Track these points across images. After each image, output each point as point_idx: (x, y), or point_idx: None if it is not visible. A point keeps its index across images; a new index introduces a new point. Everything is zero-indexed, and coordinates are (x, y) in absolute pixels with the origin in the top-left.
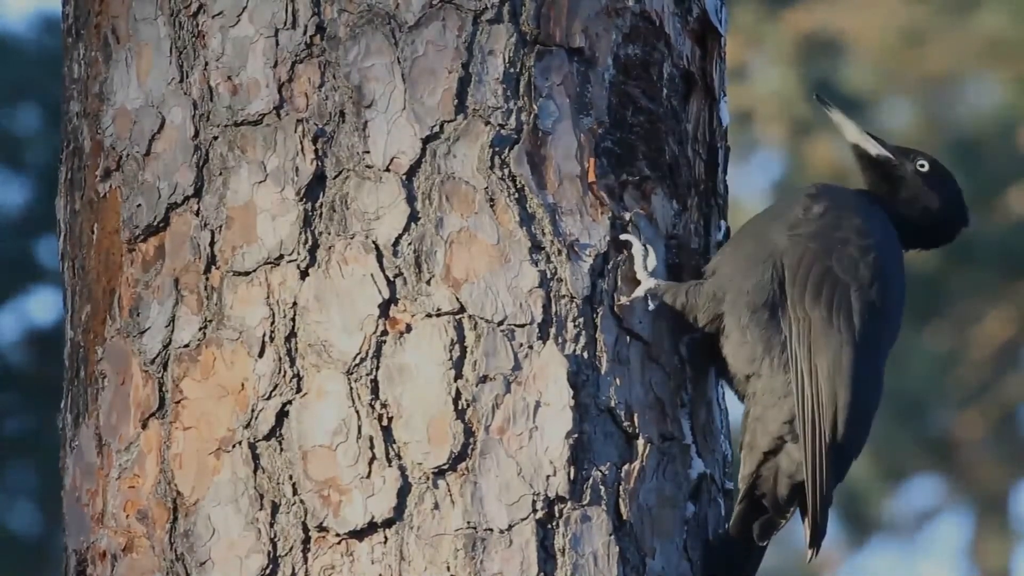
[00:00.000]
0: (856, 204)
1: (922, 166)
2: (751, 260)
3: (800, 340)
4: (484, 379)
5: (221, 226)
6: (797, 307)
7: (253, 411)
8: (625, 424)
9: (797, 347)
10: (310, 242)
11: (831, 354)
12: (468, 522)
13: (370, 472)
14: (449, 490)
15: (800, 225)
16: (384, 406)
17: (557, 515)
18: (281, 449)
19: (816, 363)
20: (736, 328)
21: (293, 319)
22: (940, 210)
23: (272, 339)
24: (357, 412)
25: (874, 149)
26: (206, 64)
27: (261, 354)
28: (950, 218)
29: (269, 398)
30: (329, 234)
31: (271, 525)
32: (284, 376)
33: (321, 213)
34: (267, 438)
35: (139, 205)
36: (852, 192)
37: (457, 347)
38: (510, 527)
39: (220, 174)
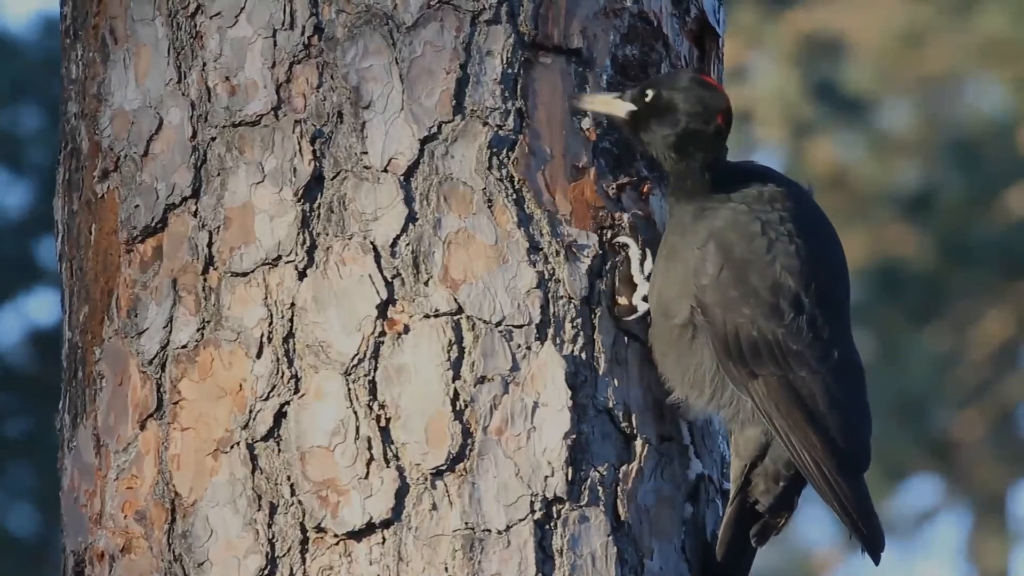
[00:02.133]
0: (731, 223)
1: (647, 96)
2: (679, 348)
3: (765, 402)
4: (482, 380)
5: (219, 227)
6: (740, 382)
7: (251, 412)
8: (623, 425)
9: (764, 408)
10: (308, 243)
11: (801, 401)
12: (466, 523)
13: (368, 473)
14: (447, 491)
15: (705, 294)
16: (382, 407)
17: (555, 516)
18: (279, 450)
19: (790, 420)
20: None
21: (291, 320)
22: (698, 109)
23: (270, 340)
24: (355, 413)
25: (623, 108)
26: (204, 65)
27: (259, 355)
28: (711, 108)
29: (267, 399)
30: (327, 235)
31: (269, 526)
32: (282, 377)
33: (319, 214)
34: (265, 439)
35: (137, 206)
36: (720, 208)
37: (455, 348)
38: (508, 528)
39: (218, 175)
